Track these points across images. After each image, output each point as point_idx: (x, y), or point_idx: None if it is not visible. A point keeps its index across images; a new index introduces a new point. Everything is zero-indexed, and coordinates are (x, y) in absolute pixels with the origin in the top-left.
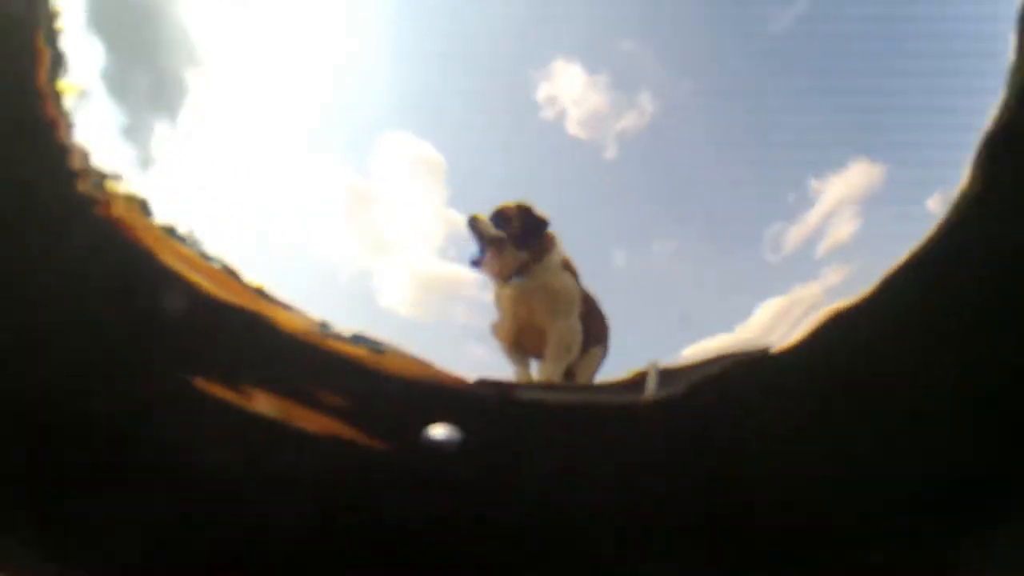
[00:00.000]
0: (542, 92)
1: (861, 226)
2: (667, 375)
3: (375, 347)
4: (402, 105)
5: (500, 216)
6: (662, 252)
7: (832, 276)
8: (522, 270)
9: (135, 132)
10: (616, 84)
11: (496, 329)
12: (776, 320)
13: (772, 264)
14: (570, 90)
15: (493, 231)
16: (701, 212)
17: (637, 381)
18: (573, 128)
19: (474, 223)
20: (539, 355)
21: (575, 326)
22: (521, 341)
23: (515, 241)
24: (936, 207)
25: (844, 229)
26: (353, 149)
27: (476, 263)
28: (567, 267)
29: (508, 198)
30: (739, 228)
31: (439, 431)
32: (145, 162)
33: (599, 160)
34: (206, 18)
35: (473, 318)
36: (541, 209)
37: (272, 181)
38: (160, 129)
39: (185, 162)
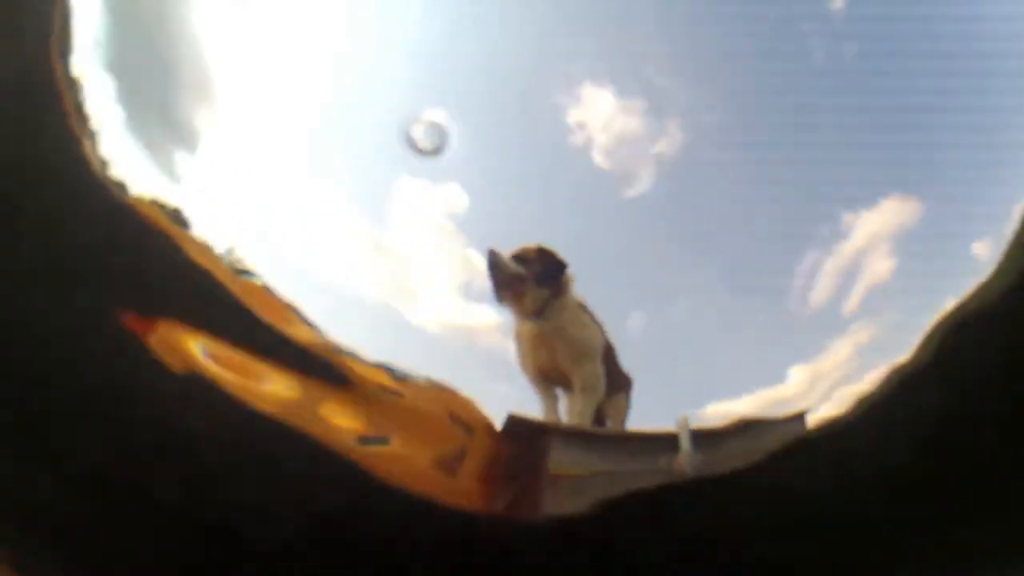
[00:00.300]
0: (566, 125)
1: (895, 272)
2: (700, 437)
3: (398, 375)
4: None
5: (520, 257)
6: (683, 304)
7: (862, 334)
8: (544, 309)
9: (153, 158)
10: (645, 116)
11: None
12: (805, 384)
13: (798, 318)
14: (594, 121)
15: (514, 267)
16: (723, 258)
17: (668, 438)
18: (596, 162)
19: (494, 258)
20: (565, 385)
21: (599, 371)
22: (545, 375)
23: (536, 280)
24: (983, 251)
25: (878, 271)
26: (366, 184)
27: (499, 298)
28: (584, 309)
29: (527, 240)
30: (762, 277)
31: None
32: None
33: (623, 198)
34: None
35: (495, 359)
36: (560, 253)
37: (290, 214)
38: (179, 159)
39: (204, 189)
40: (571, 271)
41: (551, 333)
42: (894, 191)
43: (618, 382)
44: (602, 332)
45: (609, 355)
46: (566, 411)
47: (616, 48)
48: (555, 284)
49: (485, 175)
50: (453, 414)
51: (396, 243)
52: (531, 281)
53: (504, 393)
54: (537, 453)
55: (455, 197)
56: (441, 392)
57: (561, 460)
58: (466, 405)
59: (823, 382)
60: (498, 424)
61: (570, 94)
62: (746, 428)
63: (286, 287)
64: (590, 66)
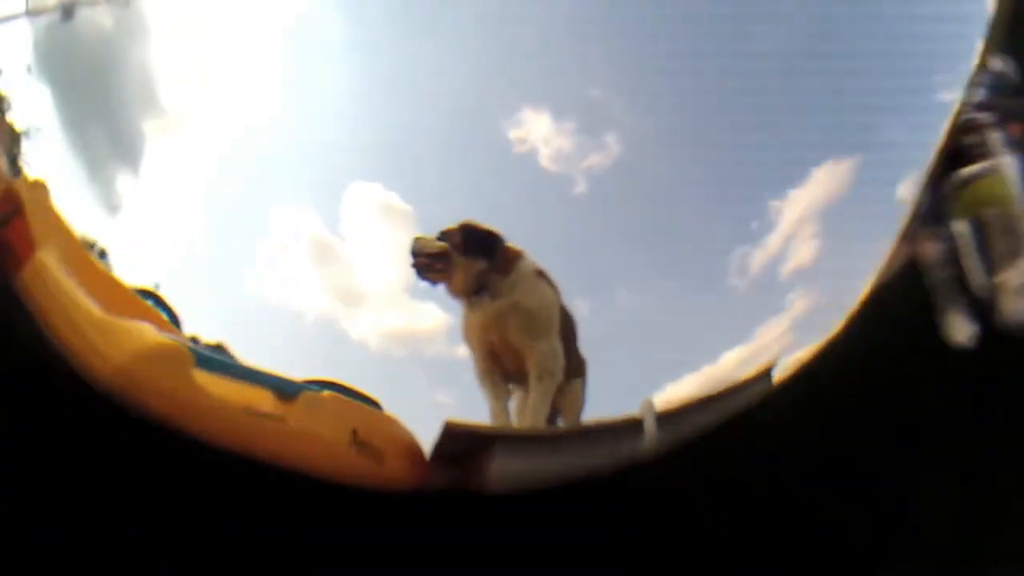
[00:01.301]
0: (509, 133)
1: (826, 240)
2: (662, 418)
3: (284, 389)
4: (365, 152)
5: (444, 234)
6: (625, 295)
7: (799, 303)
8: (485, 284)
9: (95, 182)
10: (582, 123)
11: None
12: (745, 363)
13: (737, 294)
14: (536, 129)
15: (434, 244)
16: (662, 245)
17: (631, 424)
18: (540, 163)
19: (414, 242)
20: (519, 380)
21: (557, 347)
22: (495, 366)
23: (460, 251)
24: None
25: (808, 247)
26: (316, 196)
27: (420, 273)
28: (542, 276)
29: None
30: (699, 259)
31: None
32: (109, 208)
33: (566, 196)
34: (165, 64)
35: (441, 366)
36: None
37: (232, 228)
38: (122, 180)
39: (147, 210)
40: (518, 246)
41: (503, 310)
42: (821, 162)
43: (575, 364)
44: (559, 300)
45: (568, 330)
46: (517, 407)
47: (557, 64)
48: (488, 254)
49: (434, 180)
50: (360, 437)
51: (343, 246)
52: (458, 254)
53: (448, 404)
54: (480, 461)
55: (407, 200)
56: (346, 408)
57: (507, 468)
58: (380, 423)
59: (760, 358)
60: (427, 443)
61: (512, 105)
62: (709, 401)
63: (222, 306)
64: (531, 81)
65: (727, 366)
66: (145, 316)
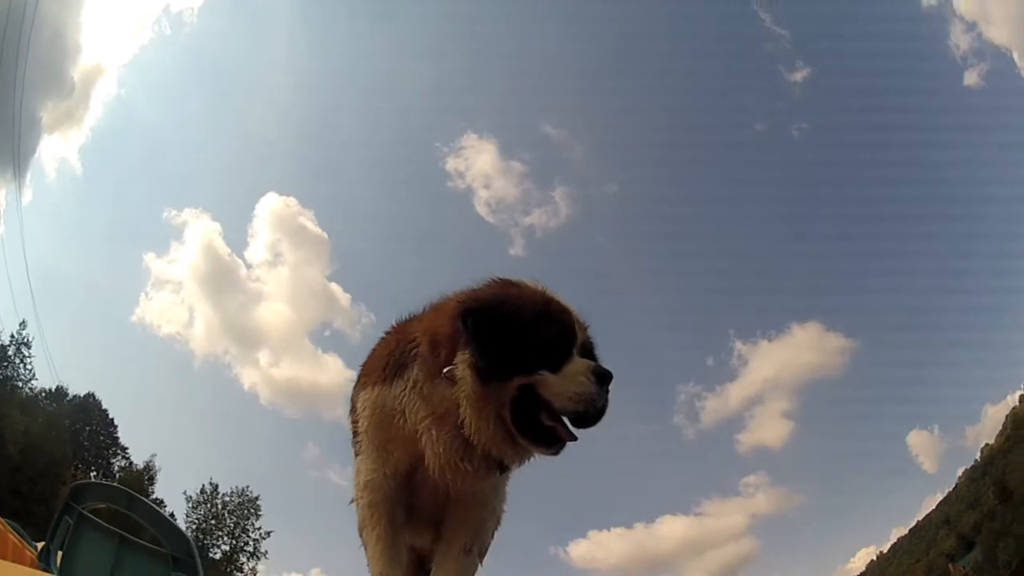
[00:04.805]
0: (450, 171)
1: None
2: None
3: None
4: (285, 175)
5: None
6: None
7: (759, 498)
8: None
9: None
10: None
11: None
12: (681, 536)
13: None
14: (491, 199)
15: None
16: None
17: None
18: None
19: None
20: (421, 542)
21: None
22: (409, 508)
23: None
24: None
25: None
26: (232, 217)
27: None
28: None
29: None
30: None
31: None
32: None
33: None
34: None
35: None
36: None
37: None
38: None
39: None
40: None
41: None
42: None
43: None
44: None
45: None
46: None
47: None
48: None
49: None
50: None
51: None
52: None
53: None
54: None
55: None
56: None
57: None
58: None
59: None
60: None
61: (463, 156)
62: None
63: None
64: (496, 135)
65: (661, 532)
66: None
